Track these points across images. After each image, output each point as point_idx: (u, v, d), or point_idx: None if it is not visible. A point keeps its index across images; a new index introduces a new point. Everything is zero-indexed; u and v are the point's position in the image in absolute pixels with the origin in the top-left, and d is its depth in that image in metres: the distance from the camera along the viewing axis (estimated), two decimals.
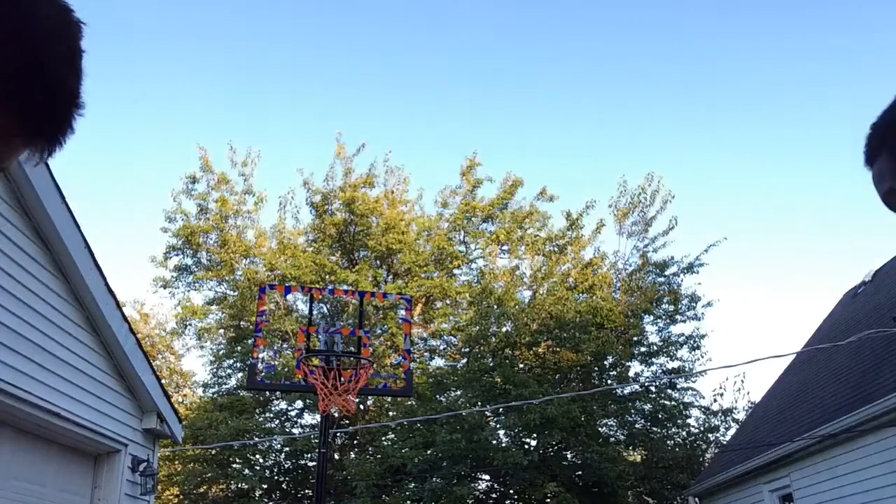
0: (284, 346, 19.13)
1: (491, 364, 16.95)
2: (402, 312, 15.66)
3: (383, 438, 18.34)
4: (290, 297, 19.00)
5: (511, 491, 17.78)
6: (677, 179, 37.47)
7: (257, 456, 18.29)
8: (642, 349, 17.98)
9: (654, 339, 18.27)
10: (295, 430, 19.19)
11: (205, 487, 18.62)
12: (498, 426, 17.11)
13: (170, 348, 23.06)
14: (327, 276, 18.59)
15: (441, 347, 20.85)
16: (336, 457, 17.71)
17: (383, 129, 31.65)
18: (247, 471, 17.62)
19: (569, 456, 17.26)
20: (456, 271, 21.04)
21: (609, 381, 17.30)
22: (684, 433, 18.19)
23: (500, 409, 15.82)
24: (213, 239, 19.86)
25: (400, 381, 11.28)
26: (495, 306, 17.43)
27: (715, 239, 23.88)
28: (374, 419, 18.79)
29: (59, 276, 5.31)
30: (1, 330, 4.57)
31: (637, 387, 17.79)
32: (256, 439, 17.18)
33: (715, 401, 18.88)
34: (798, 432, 10.27)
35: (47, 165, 4.88)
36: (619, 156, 31.31)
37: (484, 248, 20.58)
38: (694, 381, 18.15)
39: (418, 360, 19.39)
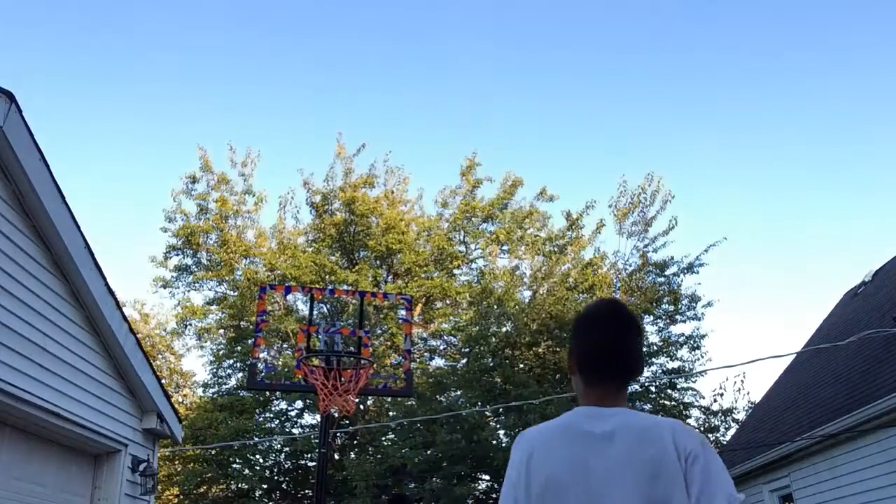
0: (284, 346, 19.13)
1: (491, 364, 16.94)
2: (403, 312, 15.66)
3: (383, 438, 18.32)
4: (290, 297, 19.00)
5: None
6: (677, 179, 37.48)
7: (257, 456, 18.27)
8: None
9: (654, 339, 18.25)
10: (295, 430, 19.19)
11: (205, 487, 18.60)
12: (498, 426, 17.10)
13: (170, 348, 23.04)
14: (327, 276, 18.58)
15: (441, 347, 20.85)
16: (336, 457, 17.70)
17: (383, 129, 31.69)
18: (247, 471, 17.60)
19: None
20: (456, 271, 21.04)
21: None
22: None
23: (500, 409, 15.81)
24: (213, 239, 19.86)
25: (400, 381, 11.29)
26: (495, 306, 17.42)
27: (715, 239, 23.92)
28: (374, 419, 18.78)
29: (59, 276, 5.30)
30: (1, 330, 4.56)
31: (637, 387, 17.77)
32: (256, 439, 17.18)
33: (715, 401, 18.86)
34: (798, 432, 10.26)
35: (47, 165, 4.87)
36: (619, 156, 31.33)
37: (484, 248, 20.58)
38: (694, 381, 18.14)
39: (418, 360, 19.39)
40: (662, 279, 18.44)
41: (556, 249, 19.51)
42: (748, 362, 25.31)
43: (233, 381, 19.44)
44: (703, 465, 1.54)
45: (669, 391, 17.81)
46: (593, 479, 1.56)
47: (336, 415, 14.37)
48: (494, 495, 18.45)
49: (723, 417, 18.23)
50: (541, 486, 1.60)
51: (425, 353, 20.54)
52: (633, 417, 1.65)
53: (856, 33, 28.86)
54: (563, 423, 1.68)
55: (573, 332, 1.78)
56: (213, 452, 17.30)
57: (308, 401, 18.29)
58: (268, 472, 18.66)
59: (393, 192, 20.97)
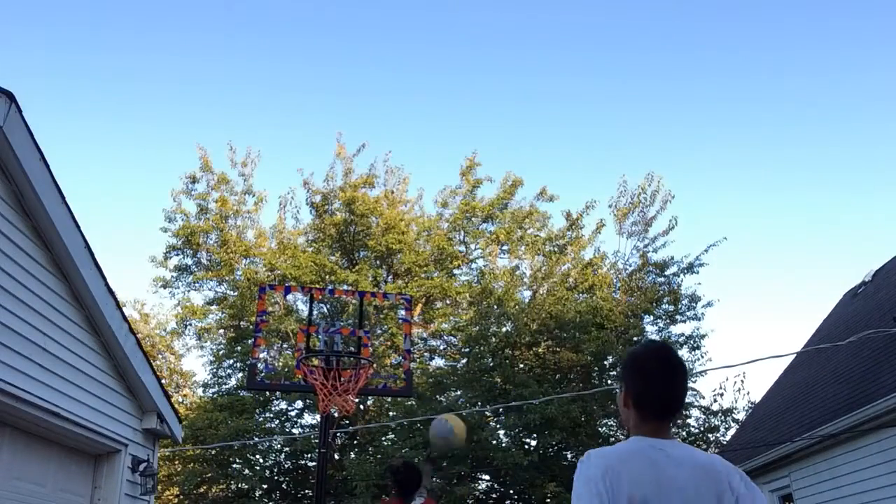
0: (284, 346, 19.13)
1: (491, 364, 16.94)
2: (402, 312, 15.65)
3: (383, 438, 18.33)
4: (290, 297, 18.99)
5: (511, 491, 17.79)
6: (677, 179, 37.49)
7: (257, 456, 18.28)
8: None
9: (654, 339, 18.26)
10: (295, 430, 19.19)
11: (205, 487, 18.61)
12: (498, 426, 17.10)
13: (170, 348, 23.05)
14: (327, 276, 18.58)
15: (441, 347, 20.84)
16: (336, 457, 17.71)
17: (383, 129, 31.70)
18: (247, 471, 17.61)
19: (569, 456, 17.26)
20: (456, 271, 21.03)
21: (609, 381, 17.29)
22: (684, 433, 18.18)
23: (500, 409, 15.82)
24: (213, 239, 19.85)
25: (400, 381, 11.29)
26: (495, 306, 17.42)
27: (715, 239, 23.93)
28: (374, 419, 18.78)
29: (59, 276, 5.30)
30: (1, 330, 4.56)
31: None
32: (256, 439, 17.17)
33: (715, 401, 18.88)
34: (798, 432, 10.26)
35: (47, 165, 4.87)
36: (619, 156, 31.33)
37: (484, 248, 20.57)
38: (694, 382, 18.15)
39: (418, 360, 19.38)
40: (662, 279, 18.46)
41: (556, 249, 19.51)
42: (748, 362, 25.35)
43: (233, 381, 19.44)
44: (751, 500, 1.83)
45: None
46: (683, 495, 1.78)
47: (336, 415, 14.37)
48: (494, 495, 18.48)
49: (723, 417, 18.25)
50: (632, 496, 1.75)
51: (425, 353, 20.53)
52: (692, 451, 1.89)
53: (856, 33, 28.87)
54: (632, 447, 1.88)
55: (629, 370, 1.98)
56: (213, 452, 17.30)
57: (308, 401, 18.29)
58: (268, 472, 18.66)
59: (393, 192, 20.97)
